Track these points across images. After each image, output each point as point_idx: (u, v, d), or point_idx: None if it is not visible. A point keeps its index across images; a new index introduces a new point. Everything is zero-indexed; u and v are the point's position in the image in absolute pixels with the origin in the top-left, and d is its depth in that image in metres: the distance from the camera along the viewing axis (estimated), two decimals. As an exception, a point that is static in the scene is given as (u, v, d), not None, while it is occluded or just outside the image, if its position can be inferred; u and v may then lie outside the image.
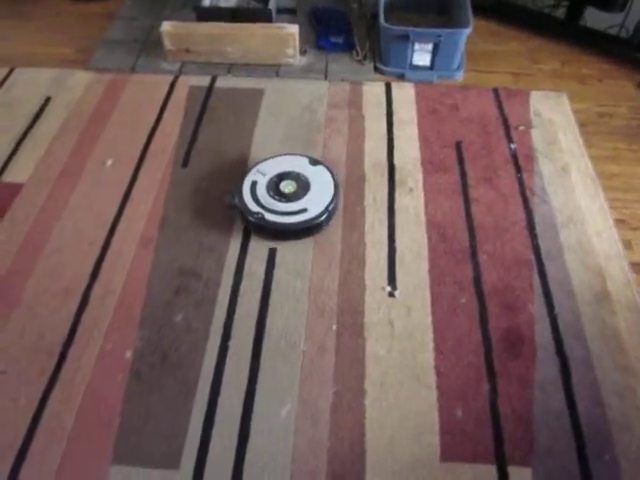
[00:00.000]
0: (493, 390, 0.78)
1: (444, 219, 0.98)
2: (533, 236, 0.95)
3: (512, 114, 1.16)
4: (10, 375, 0.79)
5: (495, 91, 1.22)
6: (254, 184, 0.96)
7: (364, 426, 0.75)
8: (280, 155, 1.02)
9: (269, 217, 0.92)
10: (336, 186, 0.97)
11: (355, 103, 1.18)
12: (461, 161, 1.07)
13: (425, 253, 0.93)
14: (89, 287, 0.88)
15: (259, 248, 0.93)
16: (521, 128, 1.13)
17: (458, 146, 1.10)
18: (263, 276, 0.90)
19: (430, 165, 1.06)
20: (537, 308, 0.87)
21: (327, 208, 0.94)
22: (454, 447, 0.73)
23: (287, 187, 0.96)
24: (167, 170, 1.05)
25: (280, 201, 0.94)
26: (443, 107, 1.18)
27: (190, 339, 0.83)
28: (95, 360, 0.80)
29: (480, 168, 1.06)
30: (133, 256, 0.92)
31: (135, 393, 0.77)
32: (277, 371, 0.79)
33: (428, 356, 0.81)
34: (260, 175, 0.97)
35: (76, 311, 0.85)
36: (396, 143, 1.10)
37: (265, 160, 1.00)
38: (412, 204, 1.00)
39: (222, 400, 0.76)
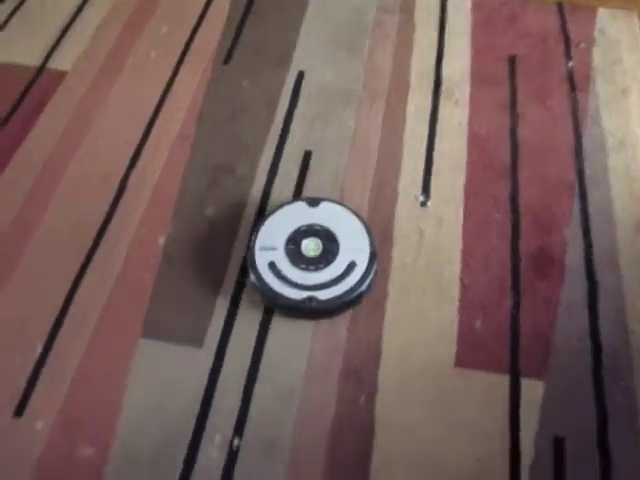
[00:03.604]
0: (516, 306, 0.78)
1: (487, 134, 0.94)
2: (579, 159, 0.91)
3: (574, 30, 1.09)
4: (50, 250, 0.83)
5: (559, 5, 1.13)
6: (272, 265, 0.75)
7: (382, 328, 0.76)
8: (270, 214, 0.80)
9: (322, 295, 0.74)
10: (359, 217, 0.80)
11: (407, 9, 1.12)
12: (513, 76, 1.02)
13: (463, 166, 0.90)
14: (126, 175, 0.90)
15: (294, 149, 0.93)
16: (582, 46, 1.06)
17: (512, 61, 1.04)
18: (296, 178, 0.90)
19: (480, 78, 1.01)
20: (573, 231, 0.84)
21: (372, 246, 0.77)
22: (469, 355, 0.74)
23: (311, 248, 0.77)
24: (208, 66, 1.04)
25: (318, 268, 0.75)
26: (500, 19, 1.11)
27: (221, 232, 0.85)
28: (129, 243, 0.83)
29: (532, 85, 1.00)
30: (170, 149, 0.93)
31: (165, 276, 0.81)
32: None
33: (454, 267, 0.81)
34: (270, 252, 0.76)
35: (113, 197, 0.88)
36: (446, 53, 1.05)
37: (259, 230, 0.78)
38: (456, 117, 0.96)
39: (248, 285, 0.79)
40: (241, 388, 0.72)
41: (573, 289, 0.79)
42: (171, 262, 0.82)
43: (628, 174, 0.89)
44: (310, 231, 0.78)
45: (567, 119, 0.96)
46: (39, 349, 0.75)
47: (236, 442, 0.69)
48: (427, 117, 0.96)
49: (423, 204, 0.87)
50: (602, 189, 0.88)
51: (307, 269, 0.76)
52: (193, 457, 0.68)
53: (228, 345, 0.75)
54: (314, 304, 0.73)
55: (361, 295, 0.76)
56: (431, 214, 0.86)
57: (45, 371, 0.74)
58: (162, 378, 0.73)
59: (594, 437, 0.69)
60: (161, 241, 0.84)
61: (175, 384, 0.73)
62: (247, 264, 0.77)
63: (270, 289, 0.74)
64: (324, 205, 0.81)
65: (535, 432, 0.69)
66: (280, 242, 0.77)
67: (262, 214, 0.85)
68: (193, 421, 0.70)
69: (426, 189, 0.88)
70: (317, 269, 0.76)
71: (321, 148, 0.93)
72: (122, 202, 0.87)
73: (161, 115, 0.97)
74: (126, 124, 0.96)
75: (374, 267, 0.76)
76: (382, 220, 0.85)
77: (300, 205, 0.81)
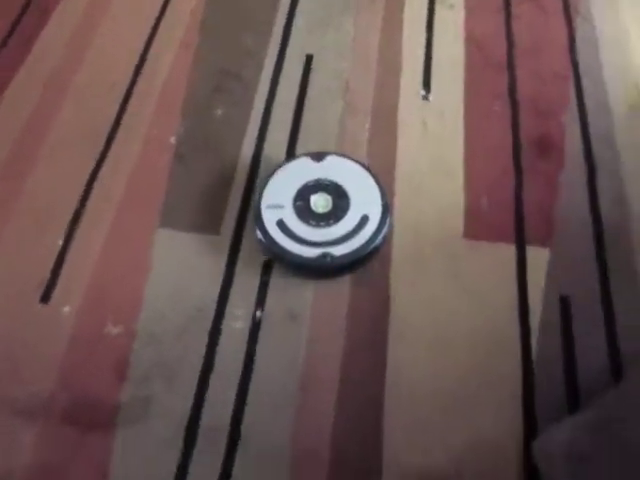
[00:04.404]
0: (519, 185, 0.81)
1: (484, 34, 0.96)
2: (573, 53, 0.94)
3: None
4: (65, 150, 0.85)
5: None
6: (281, 223, 0.73)
7: (393, 208, 0.79)
8: (274, 173, 0.77)
9: (337, 251, 0.71)
10: (367, 168, 0.78)
11: None
12: (505, -19, 1.04)
13: (462, 64, 0.93)
14: (133, 82, 0.91)
15: (296, 53, 0.94)
16: (572, -50, 1.09)
17: (504, -35, 1.06)
18: (300, 79, 0.92)
19: (473, -17, 1.04)
20: (570, 117, 0.87)
21: (384, 198, 0.75)
22: (477, 229, 0.78)
23: (320, 204, 0.74)
24: (208, -24, 1.05)
25: (329, 224, 0.73)
26: None
27: (230, 131, 0.86)
28: (141, 143, 0.85)
29: (525, -12, 1.03)
30: (174, 56, 0.94)
31: (179, 172, 0.83)
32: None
33: (459, 154, 0.84)
34: (278, 210, 0.74)
35: (122, 101, 0.89)
36: (439, -41, 1.07)
37: (263, 189, 0.75)
38: (452, 19, 0.98)
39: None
40: (260, 267, 0.75)
41: (573, 168, 0.83)
42: (183, 159, 0.84)
43: (620, 66, 0.92)
44: (318, 186, 0.76)
45: (559, 17, 0.98)
46: (60, 242, 0.77)
47: (258, 314, 0.72)
48: (424, 20, 0.98)
49: (425, 98, 0.89)
50: (595, 79, 0.91)
51: (318, 225, 0.73)
52: (218, 329, 0.71)
53: (244, 229, 0.78)
54: (329, 260, 0.71)
55: (377, 249, 0.74)
56: (433, 107, 0.89)
57: (67, 262, 0.76)
58: (182, 263, 0.76)
59: (597, 295, 0.73)
60: (172, 140, 0.85)
61: (195, 268, 0.75)
62: (254, 223, 0.74)
63: (281, 248, 0.71)
64: (330, 159, 0.78)
65: (542, 293, 0.73)
66: (287, 200, 0.75)
67: (267, 117, 0.88)
68: (216, 297, 0.73)
69: (427, 85, 0.91)
70: (328, 225, 0.73)
71: (322, 51, 0.94)
72: (130, 106, 0.88)
73: (163, 23, 0.97)
74: (129, 33, 0.97)
75: (388, 219, 0.74)
76: (386, 115, 0.88)
77: (304, 161, 0.78)
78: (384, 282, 0.74)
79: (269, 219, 0.73)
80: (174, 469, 0.63)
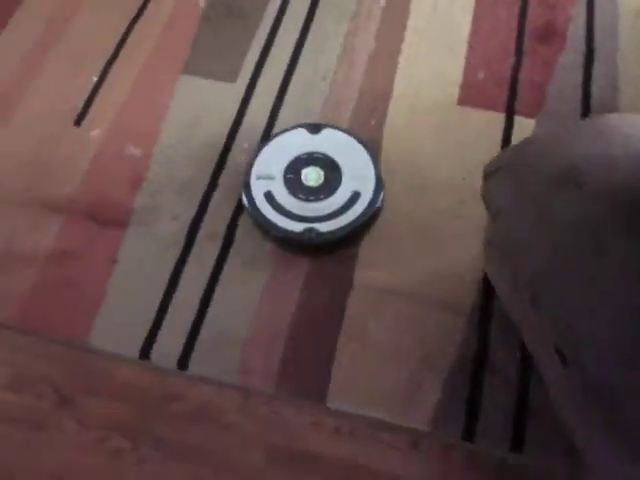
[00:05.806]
0: (517, 64, 0.87)
1: None
2: (590, -47, 0.98)
3: None
4: (104, 4, 0.94)
5: None
6: (269, 195, 0.72)
7: (395, 73, 0.86)
8: (268, 142, 0.77)
9: (323, 227, 0.70)
10: (364, 144, 0.76)
11: None
12: None
13: (479, -45, 0.98)
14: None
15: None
16: None
17: None
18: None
19: None
20: (577, 12, 0.91)
21: (378, 176, 0.73)
22: (471, 97, 0.84)
23: (312, 178, 0.73)
24: None
25: (319, 199, 0.72)
26: None
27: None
28: (173, 4, 0.94)
29: None
30: None
31: (205, 31, 0.91)
32: (328, 27, 0.91)
33: (464, 33, 0.90)
34: (267, 181, 0.73)
35: (159, -31, 0.98)
36: None
37: (256, 159, 0.75)
38: None
39: (276, 40, 0.90)
40: (269, 110, 0.83)
41: (572, 54, 0.87)
42: (210, 20, 0.92)
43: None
44: (311, 159, 0.74)
45: None
46: (94, 79, 0.87)
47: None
48: None
49: (439, -19, 0.95)
50: (608, -19, 0.95)
51: (307, 200, 0.72)
52: (224, 158, 0.80)
53: (259, 78, 0.86)
54: (314, 236, 0.69)
55: (366, 225, 0.72)
56: (446, -10, 0.95)
57: (99, 95, 0.85)
58: (200, 103, 0.84)
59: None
60: (202, 3, 0.94)
61: (211, 108, 0.84)
62: (242, 191, 0.74)
63: (267, 220, 0.70)
64: (326, 132, 0.76)
65: (523, 156, 0.79)
66: (278, 171, 0.74)
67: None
68: (226, 132, 0.81)
69: (442, -27, 0.96)
70: (318, 199, 0.72)
71: None
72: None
73: None
74: None
75: (380, 197, 0.72)
76: (400, -4, 0.94)
77: (300, 132, 0.76)
78: (379, 133, 0.81)
79: (257, 189, 0.73)
80: (174, 262, 0.73)
